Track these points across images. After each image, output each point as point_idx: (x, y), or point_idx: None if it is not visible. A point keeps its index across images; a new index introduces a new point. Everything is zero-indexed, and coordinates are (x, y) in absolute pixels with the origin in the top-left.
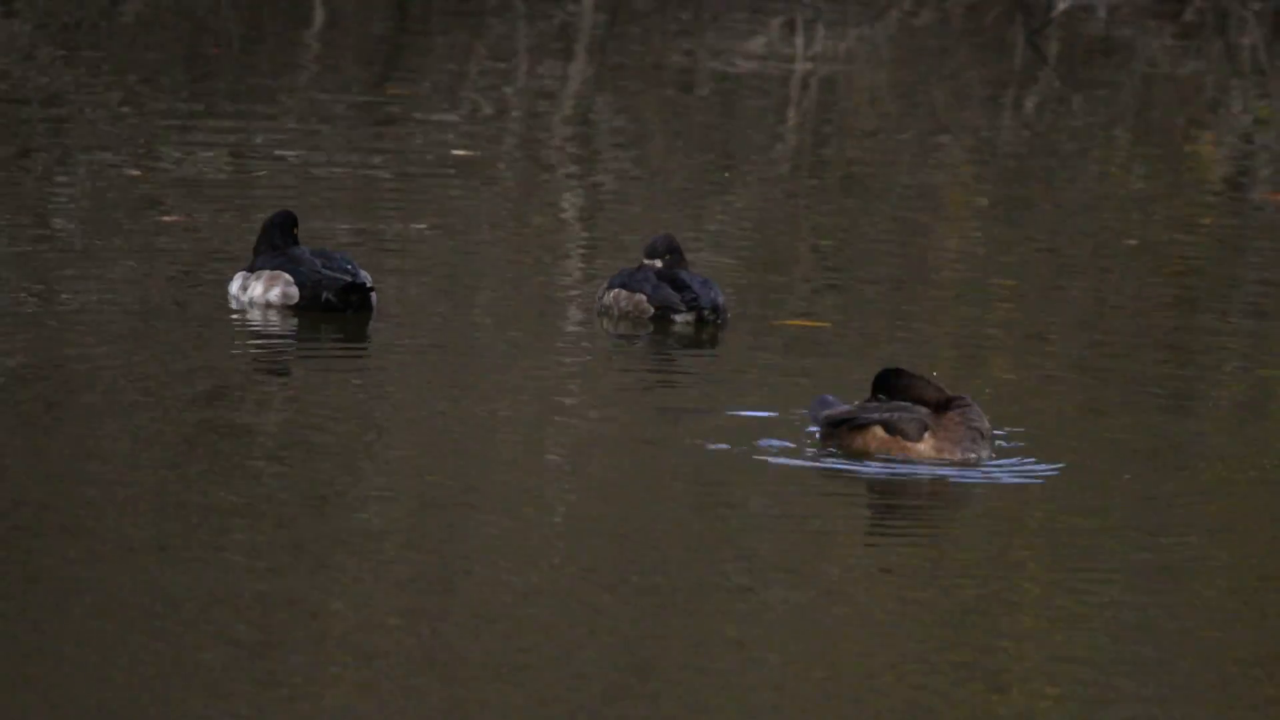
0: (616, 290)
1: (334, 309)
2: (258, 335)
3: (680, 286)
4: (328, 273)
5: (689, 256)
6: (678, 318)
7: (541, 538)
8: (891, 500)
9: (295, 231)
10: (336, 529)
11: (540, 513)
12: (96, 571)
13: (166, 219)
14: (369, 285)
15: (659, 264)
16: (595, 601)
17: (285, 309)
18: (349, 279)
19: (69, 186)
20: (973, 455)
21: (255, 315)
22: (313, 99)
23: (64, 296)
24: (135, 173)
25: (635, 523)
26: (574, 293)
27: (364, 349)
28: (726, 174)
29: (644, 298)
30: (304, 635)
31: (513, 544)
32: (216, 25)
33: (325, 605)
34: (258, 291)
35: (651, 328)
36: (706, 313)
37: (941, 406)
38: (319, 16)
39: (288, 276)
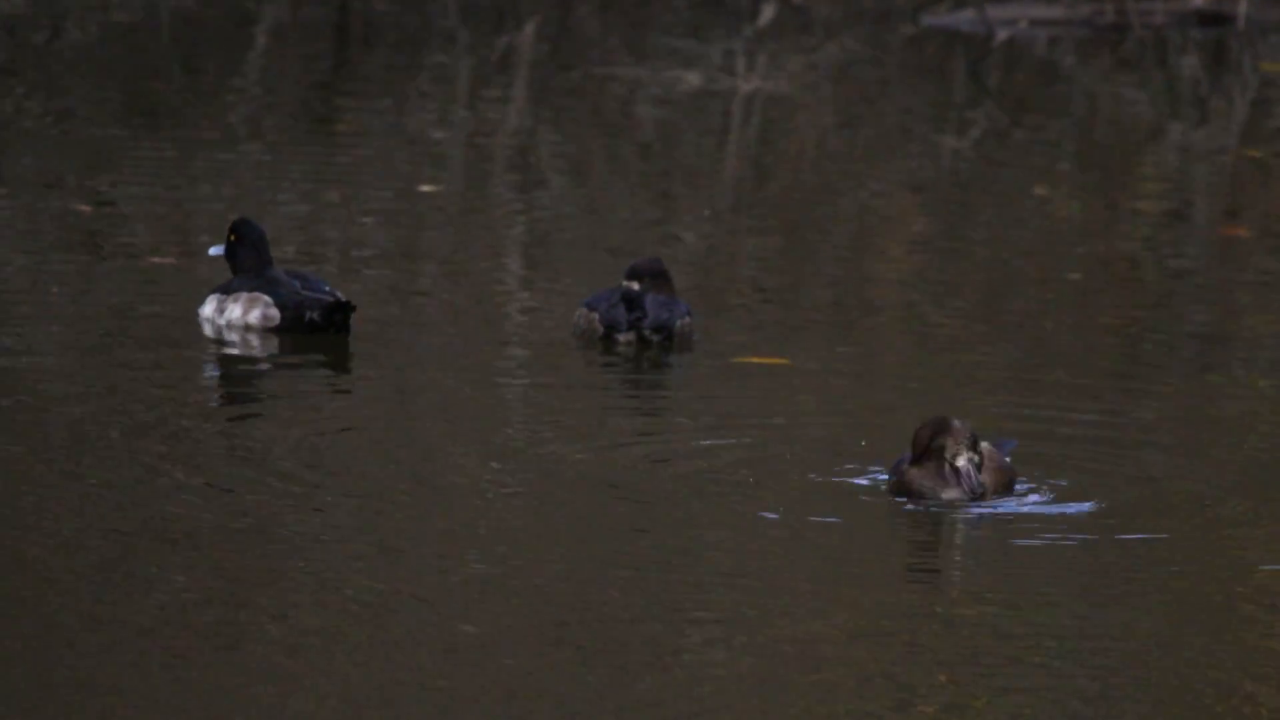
0: (582, 309)
1: (318, 329)
2: (235, 359)
3: (634, 307)
4: (308, 294)
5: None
6: (620, 336)
7: (485, 577)
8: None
9: (266, 248)
10: (273, 562)
11: (483, 554)
12: (38, 593)
13: (109, 248)
14: (352, 305)
15: (636, 286)
16: (534, 655)
17: (266, 331)
18: (332, 299)
19: (3, 211)
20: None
21: (234, 338)
22: (253, 129)
23: (11, 326)
24: (81, 206)
25: (579, 575)
26: (517, 322)
27: (346, 375)
28: (707, 212)
29: (597, 316)
30: (230, 663)
31: (451, 586)
32: (157, 54)
33: (252, 632)
34: (236, 314)
35: (601, 346)
36: (648, 333)
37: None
38: (260, 43)
39: (267, 298)
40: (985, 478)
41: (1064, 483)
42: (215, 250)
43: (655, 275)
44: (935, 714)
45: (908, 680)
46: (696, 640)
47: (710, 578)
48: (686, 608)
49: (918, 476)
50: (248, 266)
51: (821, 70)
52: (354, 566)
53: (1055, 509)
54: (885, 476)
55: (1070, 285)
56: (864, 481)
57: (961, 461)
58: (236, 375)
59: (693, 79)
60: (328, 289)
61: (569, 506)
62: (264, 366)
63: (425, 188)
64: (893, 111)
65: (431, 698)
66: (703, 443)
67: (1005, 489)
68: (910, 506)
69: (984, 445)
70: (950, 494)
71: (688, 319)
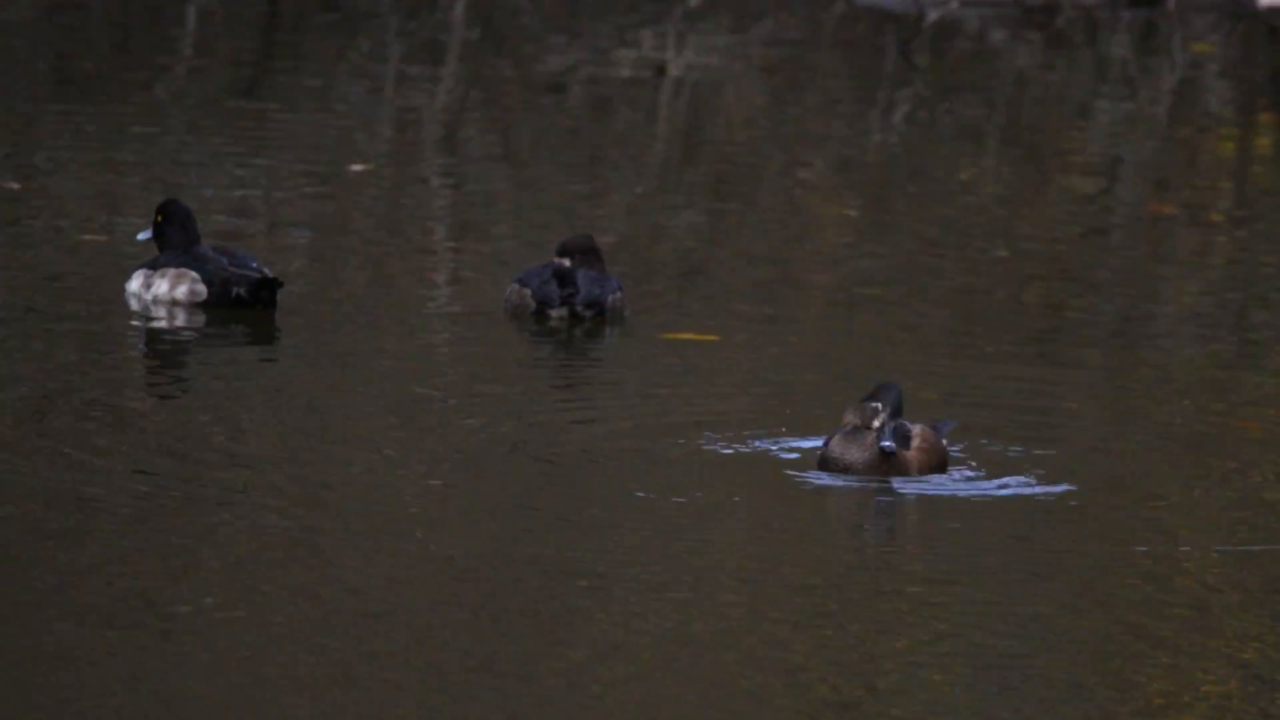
0: (514, 285)
1: (244, 305)
2: (161, 334)
3: (566, 283)
4: (235, 270)
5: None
6: (552, 312)
7: (404, 541)
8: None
9: (193, 225)
10: (202, 532)
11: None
12: None
13: (34, 224)
14: (279, 281)
15: (567, 263)
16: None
17: (192, 306)
18: (259, 275)
19: None
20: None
21: (161, 313)
22: (183, 108)
23: None
24: (9, 184)
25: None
26: (445, 298)
27: (271, 349)
28: (639, 189)
29: (529, 292)
30: (156, 633)
31: (378, 560)
32: (88, 31)
33: (179, 603)
34: (163, 289)
35: (533, 321)
36: (580, 309)
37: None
38: (190, 24)
39: (194, 274)
40: (914, 455)
41: (991, 453)
42: (143, 235)
43: (586, 252)
44: (852, 680)
45: (829, 645)
46: (618, 611)
47: (631, 550)
48: (607, 578)
49: (833, 445)
50: (175, 244)
51: (752, 49)
52: (274, 541)
53: (980, 489)
54: (809, 447)
55: (997, 261)
56: (788, 455)
57: (876, 423)
58: (162, 350)
59: (624, 58)
60: (255, 265)
61: (495, 480)
62: (190, 341)
63: (355, 166)
64: (822, 90)
65: (350, 671)
66: (628, 417)
67: (937, 468)
68: (826, 479)
69: (918, 426)
70: (854, 455)
71: (619, 295)
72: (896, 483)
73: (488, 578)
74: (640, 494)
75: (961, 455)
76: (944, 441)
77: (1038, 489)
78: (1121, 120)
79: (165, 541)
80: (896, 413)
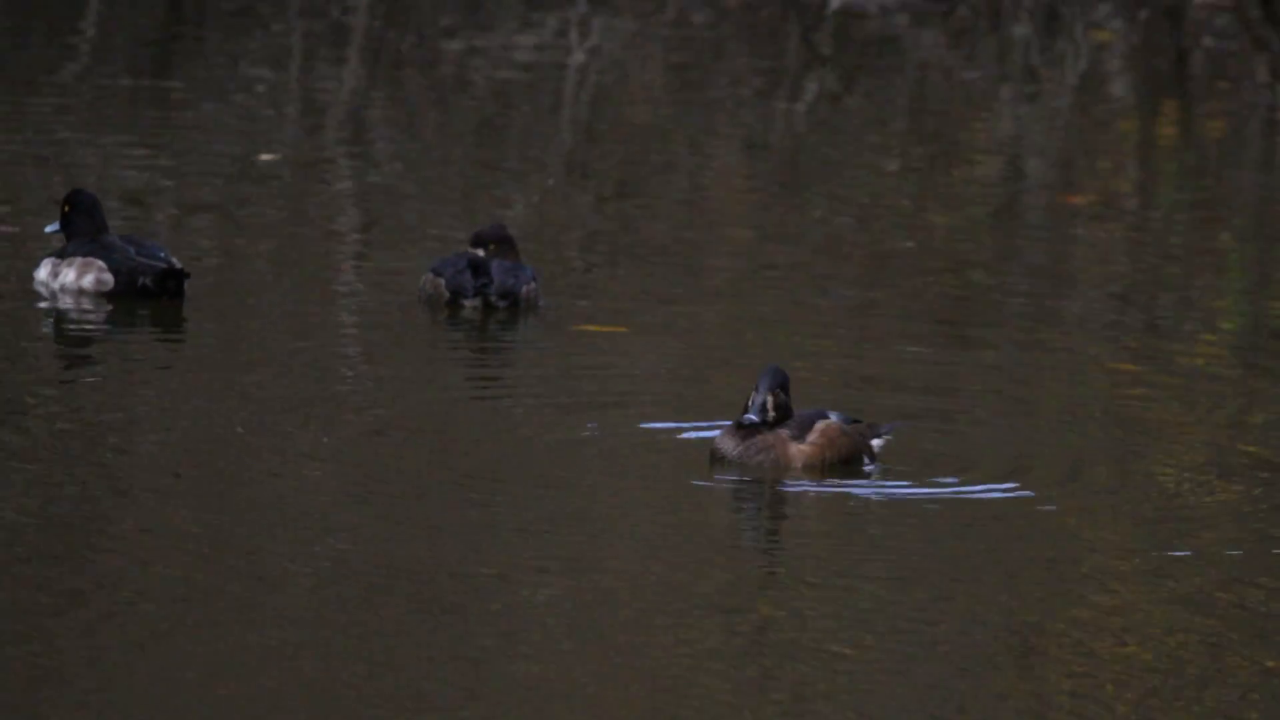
0: (428, 275)
1: (150, 295)
2: (68, 323)
3: (480, 273)
4: (142, 259)
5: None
6: (466, 302)
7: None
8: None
9: (99, 214)
10: (101, 523)
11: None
12: None
13: None
14: (186, 272)
15: (481, 253)
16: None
17: (99, 295)
18: (165, 265)
19: None
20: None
21: (68, 301)
22: (85, 97)
23: None
24: None
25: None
26: (353, 288)
27: (178, 339)
28: (550, 182)
29: (443, 281)
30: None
31: (275, 551)
32: None
33: (63, 601)
34: (70, 278)
35: (447, 311)
36: (493, 299)
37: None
38: (92, 12)
39: (101, 263)
40: (805, 449)
41: (898, 447)
42: (51, 228)
43: (500, 241)
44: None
45: (722, 625)
46: (519, 598)
47: (526, 538)
48: (508, 564)
49: (719, 436)
50: (83, 233)
51: (656, 36)
52: (177, 531)
53: (880, 488)
54: (710, 438)
55: (903, 251)
56: (690, 446)
57: (750, 402)
58: (69, 339)
59: (527, 45)
60: (163, 255)
61: (399, 471)
62: (96, 331)
63: (265, 156)
64: (727, 78)
65: (236, 665)
66: (534, 408)
67: (838, 463)
68: (720, 472)
69: (835, 418)
70: (728, 444)
71: (533, 285)
72: (790, 483)
73: (383, 570)
74: (542, 484)
75: (870, 436)
76: (876, 441)
77: (933, 477)
78: (1026, 108)
79: (66, 530)
80: (782, 389)
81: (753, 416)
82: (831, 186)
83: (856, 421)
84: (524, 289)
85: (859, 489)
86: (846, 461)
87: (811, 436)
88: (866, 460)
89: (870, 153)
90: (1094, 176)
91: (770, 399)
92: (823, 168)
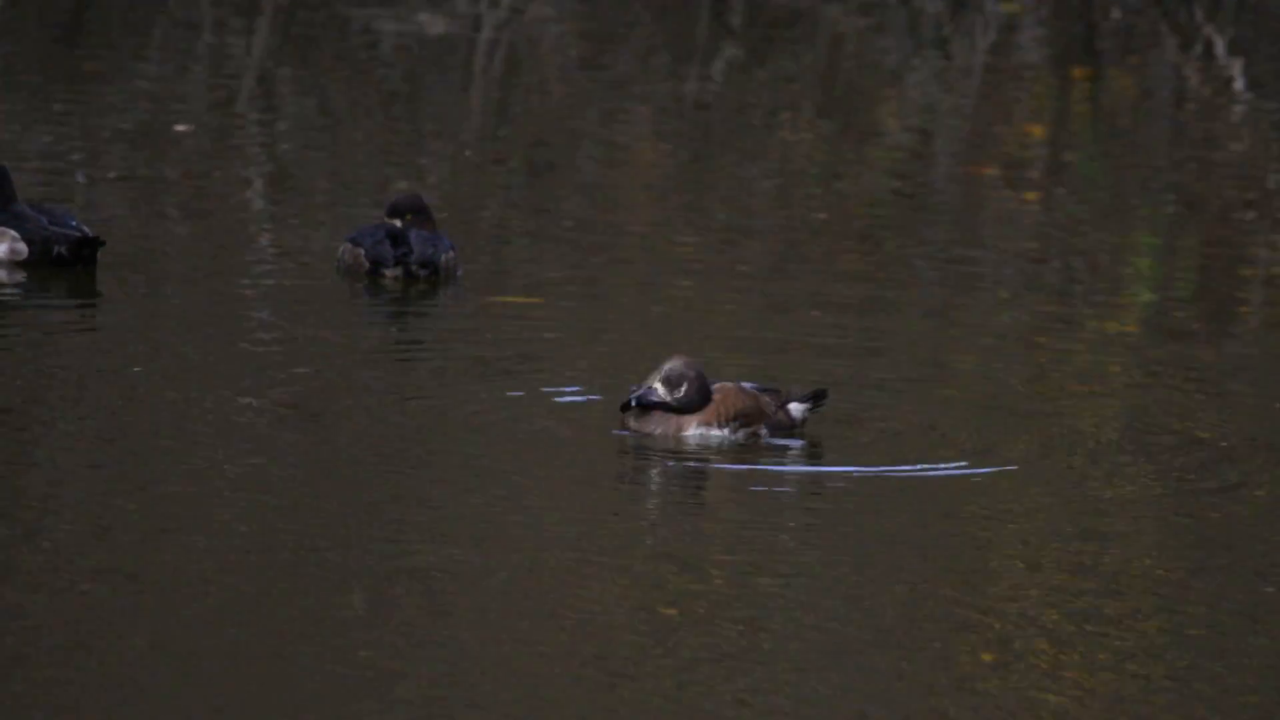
0: (345, 245)
1: (65, 263)
2: None
3: (400, 243)
4: (55, 229)
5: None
6: (387, 272)
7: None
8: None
9: (8, 185)
10: (10, 497)
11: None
12: None
13: None
14: (101, 240)
15: (398, 223)
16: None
17: (13, 265)
18: (79, 234)
19: None
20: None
21: None
22: None
23: None
24: None
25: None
26: (267, 259)
27: (92, 308)
28: (468, 153)
29: (362, 252)
30: None
31: (189, 530)
32: None
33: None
34: None
35: (367, 281)
36: (415, 268)
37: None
38: None
39: (14, 233)
40: (694, 418)
41: (825, 408)
42: None
43: (416, 211)
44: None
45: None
46: (418, 589)
47: (443, 518)
48: (418, 545)
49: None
50: None
51: (565, 6)
52: (88, 504)
53: (777, 463)
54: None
55: (814, 223)
56: (602, 417)
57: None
58: None
59: (437, 20)
60: (75, 224)
61: (315, 442)
62: (9, 300)
63: (179, 127)
64: (637, 49)
65: (158, 648)
66: (446, 382)
67: (745, 418)
68: (633, 440)
69: (731, 383)
70: (633, 423)
71: (452, 254)
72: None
73: (291, 542)
74: (455, 458)
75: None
76: (795, 406)
77: (833, 449)
78: (936, 79)
79: None
80: (680, 382)
81: (633, 399)
82: (743, 158)
83: (773, 390)
84: (443, 258)
85: (778, 467)
86: (748, 421)
87: (730, 395)
88: (766, 431)
89: (782, 124)
90: (1004, 146)
91: (661, 386)
92: (734, 140)
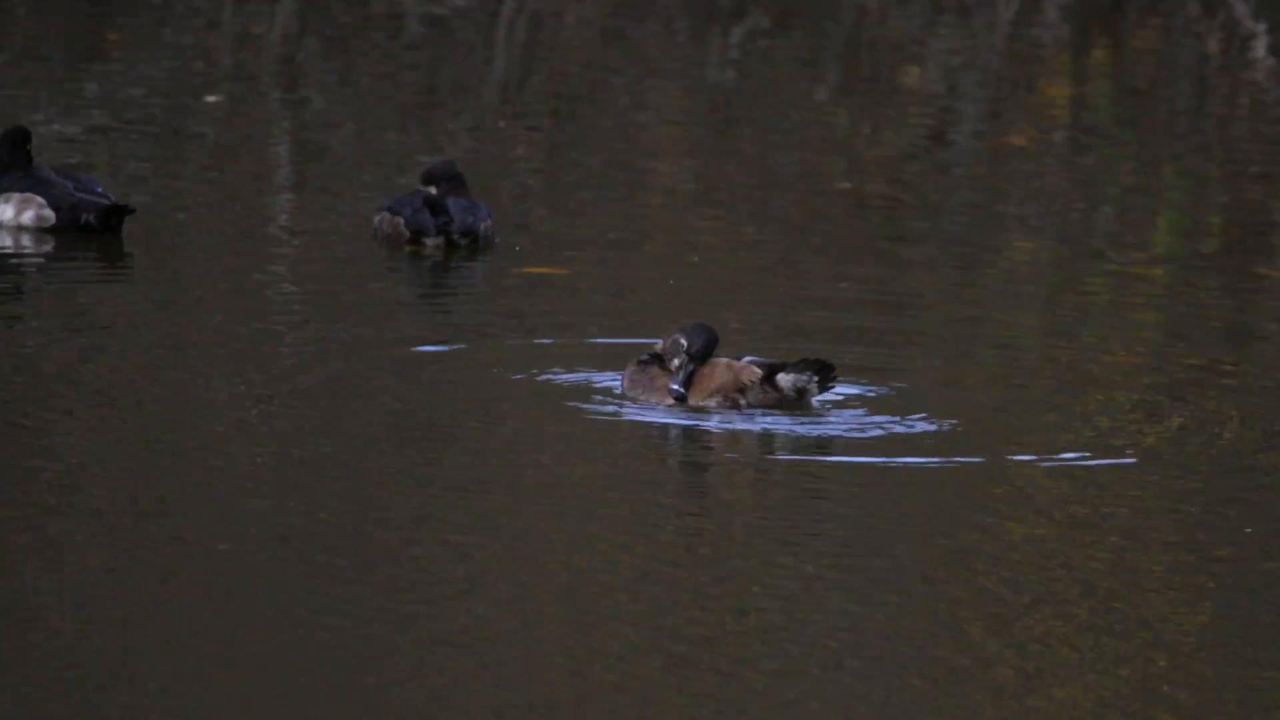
0: (383, 214)
1: (93, 231)
2: (6, 259)
3: (440, 212)
4: (83, 196)
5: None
6: (428, 241)
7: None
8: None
9: (29, 148)
10: (42, 458)
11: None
12: None
13: None
14: (131, 207)
15: (433, 190)
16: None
17: (40, 231)
18: (108, 202)
19: None
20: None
21: (6, 238)
22: (25, 35)
23: None
24: None
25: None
26: (299, 227)
27: (124, 275)
28: (501, 123)
29: (402, 221)
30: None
31: (216, 495)
32: None
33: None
34: (8, 214)
35: (408, 250)
36: (456, 237)
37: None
38: None
39: (41, 199)
40: (699, 397)
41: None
42: None
43: (451, 178)
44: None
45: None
46: (440, 552)
47: (458, 485)
48: (439, 515)
49: (625, 376)
50: (11, 163)
51: None
52: (107, 475)
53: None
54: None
55: (839, 193)
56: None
57: (675, 362)
58: (6, 275)
59: None
60: (100, 190)
61: (334, 412)
62: (36, 267)
63: (210, 98)
64: (660, 19)
65: (150, 604)
66: (470, 351)
67: (726, 392)
68: (629, 413)
69: (724, 359)
70: (637, 392)
71: (489, 222)
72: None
73: (315, 519)
74: (480, 427)
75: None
76: (784, 377)
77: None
78: (959, 51)
79: (8, 465)
80: (705, 354)
81: (679, 391)
82: (767, 127)
83: (776, 364)
84: (482, 226)
85: (787, 438)
86: (730, 394)
87: (724, 370)
88: (744, 403)
89: (805, 94)
90: (1028, 113)
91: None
92: (758, 109)
